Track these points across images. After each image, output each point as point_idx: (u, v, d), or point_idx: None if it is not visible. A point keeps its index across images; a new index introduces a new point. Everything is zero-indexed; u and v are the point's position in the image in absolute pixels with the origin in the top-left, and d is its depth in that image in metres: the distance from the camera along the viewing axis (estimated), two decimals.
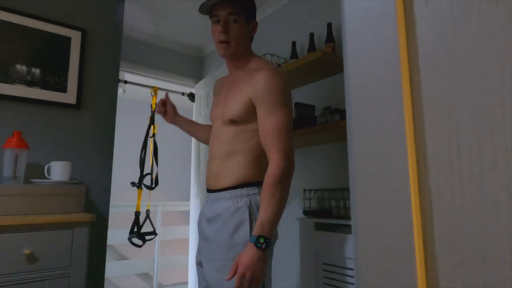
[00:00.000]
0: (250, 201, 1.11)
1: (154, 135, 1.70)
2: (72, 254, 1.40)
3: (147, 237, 1.62)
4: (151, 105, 1.68)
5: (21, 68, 1.67)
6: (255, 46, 2.40)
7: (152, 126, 1.70)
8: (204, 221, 1.22)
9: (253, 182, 1.13)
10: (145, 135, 1.69)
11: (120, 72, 2.42)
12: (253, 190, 1.12)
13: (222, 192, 1.16)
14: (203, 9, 1.19)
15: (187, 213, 3.19)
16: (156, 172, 1.66)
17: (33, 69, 1.69)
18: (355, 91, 0.38)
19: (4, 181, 1.46)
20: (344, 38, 0.40)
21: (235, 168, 1.15)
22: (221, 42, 1.18)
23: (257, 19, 2.54)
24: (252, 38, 1.27)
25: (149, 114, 1.69)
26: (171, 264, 3.71)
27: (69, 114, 1.79)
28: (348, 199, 1.60)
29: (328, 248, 1.51)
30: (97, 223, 1.69)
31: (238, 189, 1.13)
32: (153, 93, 1.71)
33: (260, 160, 1.15)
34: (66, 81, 1.77)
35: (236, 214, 1.10)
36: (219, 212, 1.14)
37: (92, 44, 1.89)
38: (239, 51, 1.21)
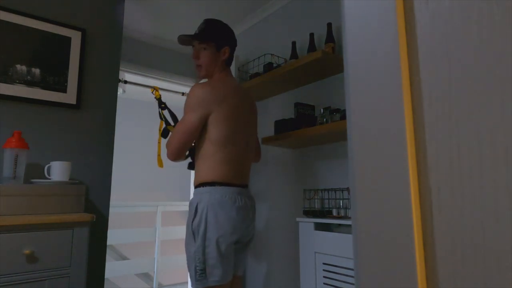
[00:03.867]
0: (201, 199, 1.37)
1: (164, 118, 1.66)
2: (72, 254, 1.40)
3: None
4: (159, 100, 1.67)
5: (21, 68, 1.67)
6: (256, 46, 2.43)
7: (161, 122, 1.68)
8: None
9: (205, 182, 1.40)
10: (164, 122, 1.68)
11: (120, 72, 2.42)
12: (205, 189, 1.39)
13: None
14: (182, 41, 1.54)
15: (187, 213, 3.19)
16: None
17: (33, 69, 1.69)
18: (355, 91, 0.38)
19: (4, 181, 1.46)
20: (344, 38, 0.40)
21: (196, 171, 1.46)
22: (196, 66, 1.55)
23: (258, 19, 2.54)
24: (224, 60, 1.54)
25: (157, 110, 1.68)
26: (171, 264, 3.71)
27: (69, 114, 1.79)
28: (348, 199, 1.60)
29: (328, 248, 1.51)
30: (97, 223, 1.69)
31: (196, 189, 1.43)
32: (153, 92, 1.72)
33: (209, 162, 1.41)
34: (66, 81, 1.77)
35: (190, 208, 1.43)
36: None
37: (92, 44, 1.89)
38: (210, 73, 1.53)
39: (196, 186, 1.43)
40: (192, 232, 1.35)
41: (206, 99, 1.37)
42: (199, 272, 1.31)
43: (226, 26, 1.55)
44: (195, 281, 1.32)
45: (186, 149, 1.45)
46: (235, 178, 1.43)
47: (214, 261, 1.31)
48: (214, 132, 1.38)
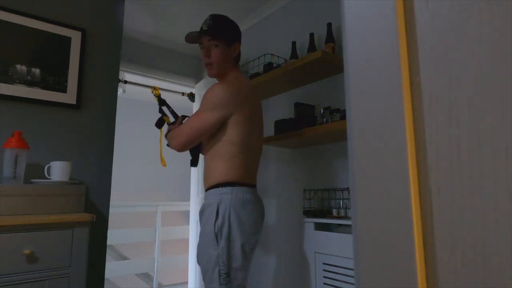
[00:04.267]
0: (221, 200, 1.31)
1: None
2: (72, 254, 1.40)
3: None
4: (159, 97, 1.68)
5: (21, 68, 1.67)
6: (256, 46, 2.43)
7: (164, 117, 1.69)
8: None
9: (224, 182, 1.34)
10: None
11: (120, 72, 2.42)
12: (225, 189, 1.32)
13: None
14: (190, 39, 1.47)
15: (187, 213, 3.19)
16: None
17: (33, 69, 1.69)
18: (355, 91, 0.38)
19: (4, 181, 1.46)
20: (344, 38, 0.40)
21: (211, 171, 1.39)
22: (206, 64, 1.46)
23: (258, 19, 2.54)
24: (235, 57, 1.50)
25: (156, 109, 1.70)
26: (171, 264, 3.71)
27: (69, 114, 1.78)
28: (348, 199, 1.60)
29: (328, 248, 1.51)
30: (97, 223, 1.69)
31: (213, 189, 1.36)
32: (153, 91, 1.72)
33: (231, 163, 1.35)
34: (66, 81, 1.77)
35: (208, 209, 1.34)
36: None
37: (92, 44, 1.89)
38: (222, 71, 1.46)
39: (212, 186, 1.37)
40: (214, 234, 1.28)
41: (229, 100, 1.33)
42: (224, 276, 1.25)
43: (233, 21, 1.50)
44: (218, 285, 1.25)
45: (195, 145, 1.45)
46: (251, 178, 1.41)
47: (239, 263, 1.27)
48: (234, 133, 1.35)
